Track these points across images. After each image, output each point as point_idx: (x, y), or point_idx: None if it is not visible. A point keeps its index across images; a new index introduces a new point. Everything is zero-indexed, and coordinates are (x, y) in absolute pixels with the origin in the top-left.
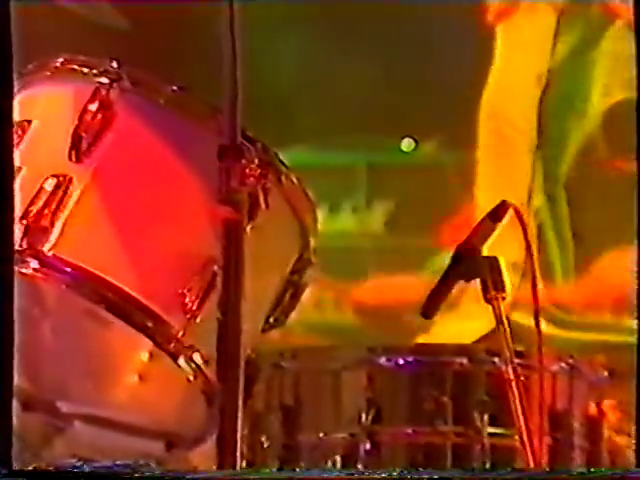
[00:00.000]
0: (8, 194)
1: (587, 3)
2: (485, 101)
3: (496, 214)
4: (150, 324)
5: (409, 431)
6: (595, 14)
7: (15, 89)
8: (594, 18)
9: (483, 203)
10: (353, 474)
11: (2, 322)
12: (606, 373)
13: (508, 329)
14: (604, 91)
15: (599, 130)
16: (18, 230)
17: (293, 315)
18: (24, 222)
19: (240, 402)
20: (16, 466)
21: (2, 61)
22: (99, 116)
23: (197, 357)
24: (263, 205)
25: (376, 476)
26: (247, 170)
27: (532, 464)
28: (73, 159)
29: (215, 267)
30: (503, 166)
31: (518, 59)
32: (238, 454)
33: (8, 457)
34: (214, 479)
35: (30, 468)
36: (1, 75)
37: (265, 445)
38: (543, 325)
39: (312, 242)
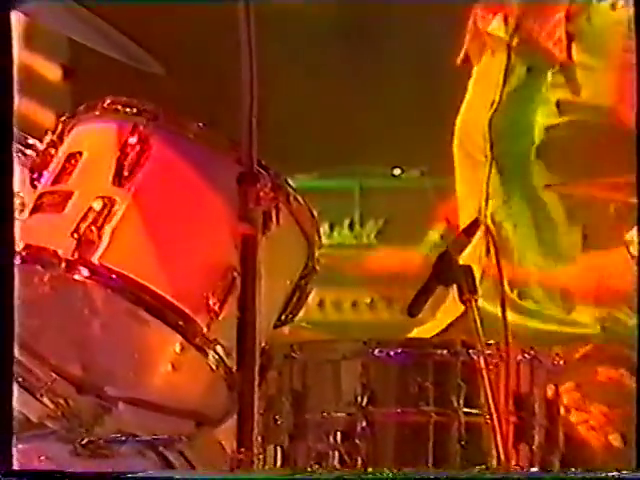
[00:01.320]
0: (8, 194)
1: (532, 48)
2: (457, 131)
3: (469, 230)
4: (181, 322)
5: (398, 411)
6: (538, 57)
7: (70, 125)
8: (536, 60)
9: (461, 218)
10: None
11: (2, 324)
12: (562, 362)
13: (480, 325)
14: (544, 115)
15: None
16: (70, 243)
17: (300, 314)
18: (75, 236)
19: (256, 387)
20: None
21: (2, 63)
22: (137, 148)
23: (219, 349)
24: (275, 222)
25: (373, 476)
26: (261, 193)
27: (499, 439)
28: (116, 184)
29: (234, 274)
30: (473, 184)
31: (479, 92)
32: (255, 430)
33: (8, 457)
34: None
35: (30, 468)
36: (1, 79)
37: (278, 422)
38: (510, 315)
39: (316, 253)
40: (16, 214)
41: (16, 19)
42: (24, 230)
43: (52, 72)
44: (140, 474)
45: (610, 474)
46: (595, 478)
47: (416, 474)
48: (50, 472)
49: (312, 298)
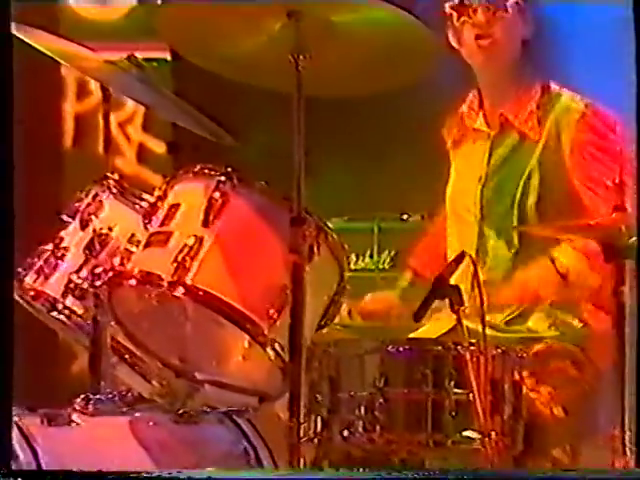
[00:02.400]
0: (7, 194)
1: (510, 133)
2: (449, 197)
3: (458, 259)
4: (248, 326)
5: (405, 391)
6: (515, 138)
7: (172, 184)
8: (514, 141)
9: (450, 252)
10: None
11: (2, 327)
12: (524, 355)
13: (466, 329)
14: (522, 179)
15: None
16: (171, 269)
17: (335, 320)
18: (175, 264)
19: (302, 373)
20: (14, 466)
21: (2, 63)
22: (220, 200)
23: (276, 346)
24: (316, 253)
25: (368, 476)
26: (307, 232)
27: (480, 411)
28: (204, 226)
29: (287, 291)
30: (462, 232)
31: (467, 168)
32: (302, 405)
33: (8, 457)
34: (215, 479)
35: (30, 468)
36: (1, 77)
37: (318, 399)
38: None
39: (346, 275)
40: (131, 248)
41: (134, 106)
42: (139, 260)
43: (160, 147)
44: (141, 474)
45: (610, 474)
46: (595, 478)
47: (417, 474)
48: (50, 472)
49: (343, 308)
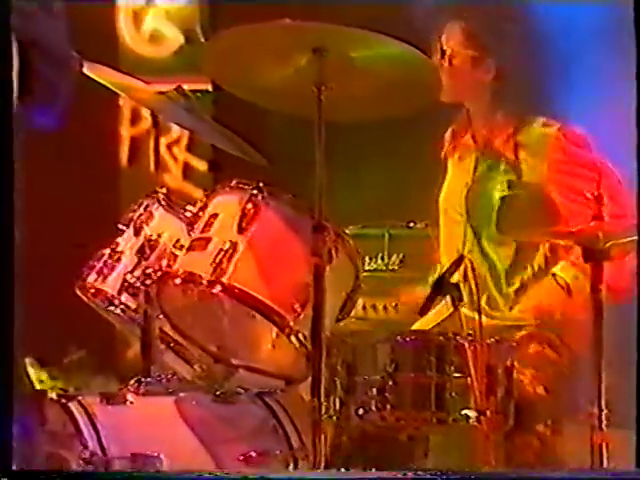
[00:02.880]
0: (8, 193)
1: (491, 152)
2: (441, 201)
3: (457, 262)
4: (276, 319)
5: (412, 375)
6: (496, 156)
7: (212, 197)
8: (494, 158)
9: (444, 255)
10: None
11: (2, 327)
12: (514, 343)
13: (465, 320)
14: (501, 190)
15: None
16: (210, 270)
17: (352, 313)
18: (213, 265)
19: (323, 360)
20: (15, 466)
21: (2, 62)
22: (252, 211)
23: (300, 336)
24: (335, 256)
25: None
26: (327, 238)
27: (477, 392)
28: (239, 233)
29: (310, 289)
30: (451, 230)
31: (457, 175)
32: (322, 387)
33: (8, 457)
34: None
35: (29, 469)
36: (1, 76)
37: (337, 382)
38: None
39: (360, 275)
40: (176, 251)
41: (179, 130)
42: (183, 262)
43: (202, 165)
44: (141, 474)
45: (610, 474)
46: (595, 478)
47: (417, 474)
48: (50, 472)
49: (358, 304)
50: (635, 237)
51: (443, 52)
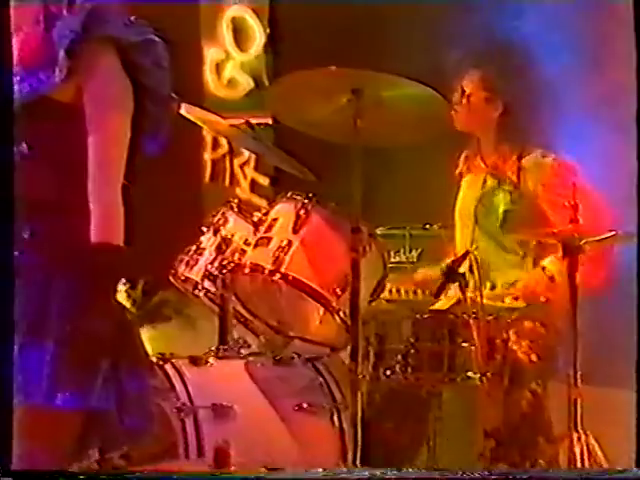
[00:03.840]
0: (8, 191)
1: (498, 173)
2: (457, 210)
3: (463, 256)
4: (323, 300)
5: (429, 345)
6: (502, 177)
7: (273, 205)
8: (500, 179)
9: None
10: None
11: (2, 327)
12: (509, 320)
13: (470, 303)
14: (504, 202)
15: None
16: (271, 262)
17: (381, 296)
18: (273, 258)
19: (360, 332)
20: (13, 466)
21: (1, 61)
22: (304, 216)
23: (341, 314)
24: (368, 251)
25: (369, 476)
26: (361, 237)
27: (480, 358)
28: (293, 233)
29: (349, 277)
30: (464, 234)
31: (469, 190)
32: (358, 354)
33: (8, 457)
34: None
35: (30, 469)
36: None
37: (369, 350)
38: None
39: (387, 266)
40: (245, 248)
41: (248, 154)
42: (250, 256)
43: (265, 181)
44: (140, 474)
45: (610, 474)
46: (595, 477)
47: (417, 474)
48: (50, 472)
49: (387, 288)
50: (605, 236)
51: (463, 92)
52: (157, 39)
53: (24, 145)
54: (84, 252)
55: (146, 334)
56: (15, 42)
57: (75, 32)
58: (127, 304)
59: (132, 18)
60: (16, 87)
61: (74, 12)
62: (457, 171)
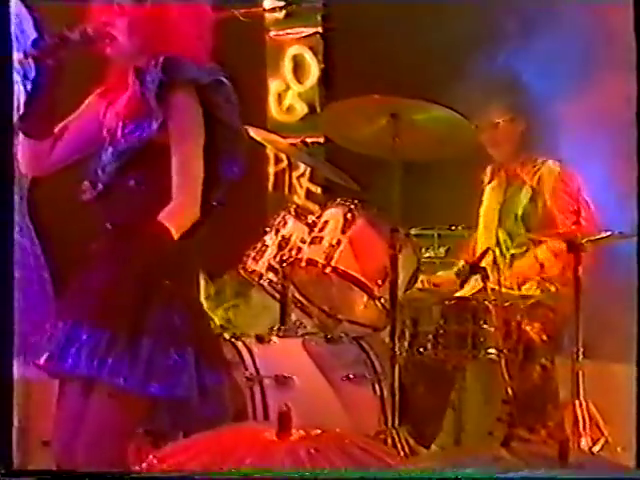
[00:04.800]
0: (8, 191)
1: (518, 179)
2: (482, 213)
3: (485, 252)
4: (366, 289)
5: (456, 327)
6: (521, 182)
7: (323, 211)
8: (520, 183)
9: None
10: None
11: (2, 326)
12: (522, 306)
13: (490, 291)
14: (522, 207)
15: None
16: (323, 257)
17: (415, 286)
18: (325, 254)
19: (397, 316)
20: (16, 465)
21: (2, 60)
22: (350, 219)
23: (382, 300)
24: (404, 248)
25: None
26: (399, 236)
27: (499, 337)
28: (342, 233)
29: (388, 269)
30: (487, 234)
31: (492, 196)
32: (396, 334)
33: (8, 457)
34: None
35: (30, 468)
36: (1, 75)
37: (404, 330)
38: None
39: (420, 261)
40: (302, 245)
41: (304, 167)
42: (306, 252)
43: (318, 189)
44: (142, 474)
45: (610, 474)
46: (595, 478)
47: (417, 474)
48: (50, 472)
49: (419, 279)
50: (602, 236)
51: (491, 116)
52: (225, 80)
53: (132, 182)
54: (168, 249)
55: (221, 319)
56: (121, 102)
57: (159, 80)
58: (205, 294)
59: (206, 63)
60: (127, 138)
61: (157, 64)
62: (482, 181)
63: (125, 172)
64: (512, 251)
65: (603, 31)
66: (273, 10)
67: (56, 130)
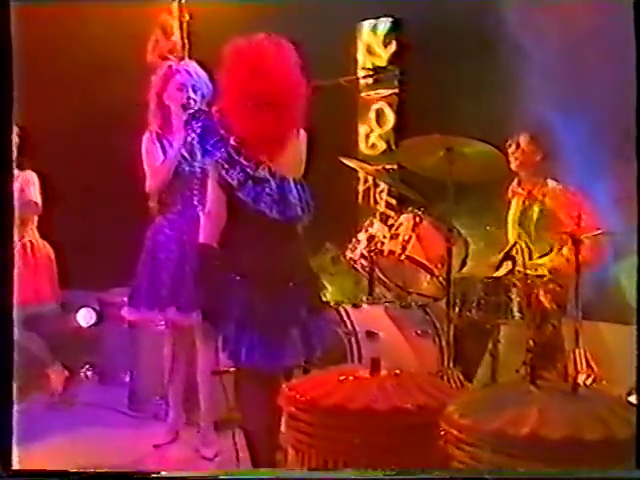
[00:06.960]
0: (8, 189)
1: (532, 196)
2: (509, 219)
3: (513, 245)
4: (430, 271)
5: (493, 298)
6: (534, 198)
7: (399, 215)
8: (534, 199)
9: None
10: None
11: (2, 326)
12: (539, 283)
13: (517, 272)
14: (537, 216)
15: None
16: (399, 248)
17: (463, 270)
18: (400, 246)
19: (450, 290)
20: (16, 466)
21: (2, 60)
22: (418, 221)
23: (440, 279)
24: (456, 242)
25: (369, 476)
26: (453, 234)
27: (524, 307)
28: (412, 231)
29: (446, 256)
30: (512, 233)
31: (515, 206)
32: (450, 302)
33: (8, 457)
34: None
35: (30, 468)
36: (1, 75)
37: (456, 300)
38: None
39: (468, 252)
40: (384, 240)
41: (384, 185)
42: (387, 245)
43: (393, 201)
44: (147, 475)
45: (610, 474)
46: (595, 478)
47: (417, 474)
48: (50, 472)
49: (467, 265)
50: (596, 233)
51: (518, 145)
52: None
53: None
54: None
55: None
56: None
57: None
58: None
59: None
60: None
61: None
62: (508, 195)
63: None
64: (530, 246)
65: None
66: (365, 77)
67: None
